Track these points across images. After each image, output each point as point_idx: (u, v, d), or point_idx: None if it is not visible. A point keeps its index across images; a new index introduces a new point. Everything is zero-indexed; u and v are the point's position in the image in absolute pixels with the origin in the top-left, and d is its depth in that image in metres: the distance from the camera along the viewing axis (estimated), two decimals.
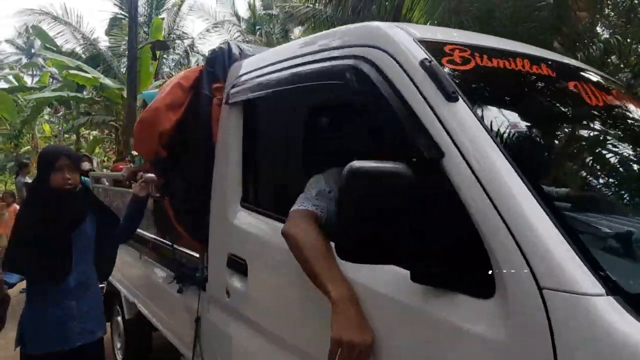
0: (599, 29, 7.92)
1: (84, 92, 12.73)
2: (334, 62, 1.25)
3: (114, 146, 13.20)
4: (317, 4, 10.66)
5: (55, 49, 12.80)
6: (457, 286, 0.88)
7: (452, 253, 0.87)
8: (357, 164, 0.86)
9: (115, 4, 14.38)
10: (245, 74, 1.76)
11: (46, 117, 17.86)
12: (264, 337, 1.50)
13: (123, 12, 13.85)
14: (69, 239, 2.01)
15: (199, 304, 1.96)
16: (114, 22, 14.55)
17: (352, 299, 1.03)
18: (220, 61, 1.97)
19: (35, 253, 1.90)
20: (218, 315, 1.81)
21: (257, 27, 17.68)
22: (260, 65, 1.68)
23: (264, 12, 18.08)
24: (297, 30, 15.70)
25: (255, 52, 2.01)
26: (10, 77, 14.26)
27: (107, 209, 2.28)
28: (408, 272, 0.94)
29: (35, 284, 1.98)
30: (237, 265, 1.62)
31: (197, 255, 2.09)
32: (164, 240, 2.51)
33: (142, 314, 2.93)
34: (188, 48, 16.60)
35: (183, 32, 16.08)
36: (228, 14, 17.96)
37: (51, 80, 14.52)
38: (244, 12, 19.11)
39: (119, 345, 3.53)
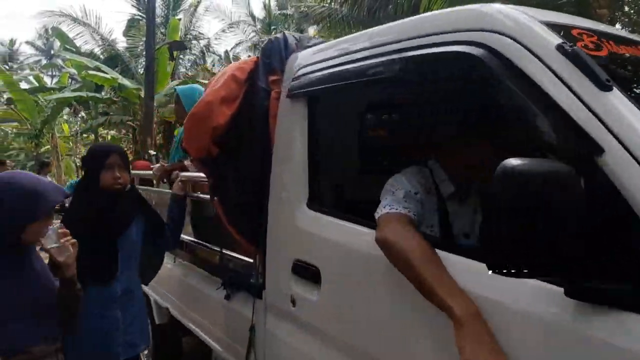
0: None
1: (102, 92, 12.81)
2: (433, 49, 1.12)
3: (131, 146, 13.23)
4: (332, 4, 10.58)
5: (74, 49, 12.91)
6: (626, 303, 0.75)
7: (623, 264, 0.74)
8: (513, 162, 0.73)
9: (133, 5, 14.50)
10: (309, 65, 1.63)
11: (65, 117, 18.05)
12: (337, 350, 1.38)
13: (141, 13, 13.94)
14: (115, 242, 1.91)
15: (254, 312, 1.84)
16: (131, 23, 14.65)
17: (479, 316, 0.90)
18: (277, 52, 1.83)
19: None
20: (279, 325, 1.69)
21: (273, 27, 17.69)
22: (329, 56, 1.55)
23: (279, 12, 18.10)
24: (311, 30, 15.64)
25: (312, 42, 1.90)
26: (31, 78, 14.44)
27: (154, 212, 2.18)
28: (551, 285, 0.81)
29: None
30: (306, 272, 1.50)
31: (249, 260, 1.97)
32: (207, 244, 2.40)
33: (176, 319, 2.82)
34: (204, 48, 16.68)
35: (199, 33, 16.16)
36: (243, 14, 18.08)
37: (70, 80, 14.68)
38: (259, 12, 19.21)
39: (146, 352, 3.43)
